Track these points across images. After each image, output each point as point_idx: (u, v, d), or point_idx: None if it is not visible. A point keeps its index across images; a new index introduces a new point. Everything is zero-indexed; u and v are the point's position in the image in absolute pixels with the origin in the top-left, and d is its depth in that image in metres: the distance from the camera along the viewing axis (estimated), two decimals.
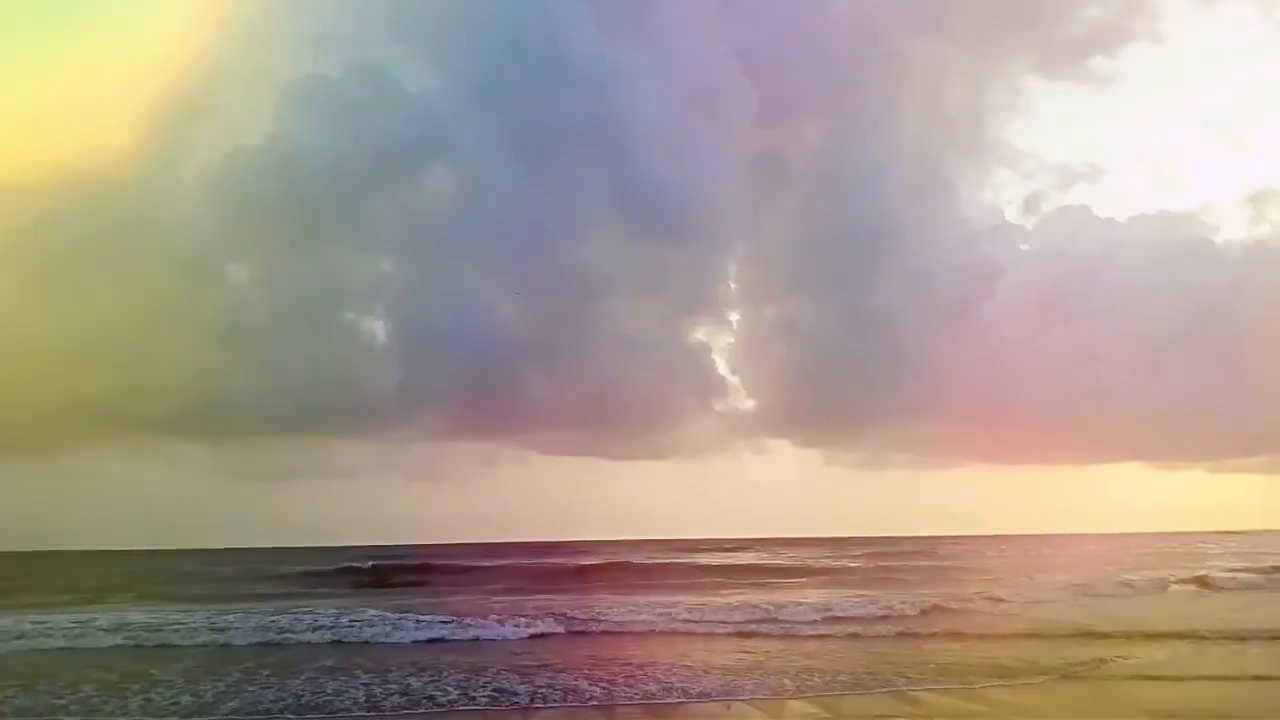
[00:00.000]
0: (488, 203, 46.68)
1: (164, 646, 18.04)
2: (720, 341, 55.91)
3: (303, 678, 14.27)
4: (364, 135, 43.79)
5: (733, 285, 52.85)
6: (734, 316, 54.36)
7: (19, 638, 18.52)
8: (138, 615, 21.36)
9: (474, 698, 12.78)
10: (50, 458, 63.26)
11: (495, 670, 14.56)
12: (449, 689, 13.27)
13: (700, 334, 54.38)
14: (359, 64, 44.41)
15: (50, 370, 43.70)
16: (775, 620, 20.60)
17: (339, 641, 18.48)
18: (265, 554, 57.02)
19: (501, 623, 19.78)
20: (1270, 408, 56.99)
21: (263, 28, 45.66)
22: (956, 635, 18.50)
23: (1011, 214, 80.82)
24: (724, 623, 20.34)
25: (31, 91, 39.82)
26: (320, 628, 19.40)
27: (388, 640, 18.54)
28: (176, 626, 19.35)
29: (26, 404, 47.81)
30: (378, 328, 48.71)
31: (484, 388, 48.78)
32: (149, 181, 44.61)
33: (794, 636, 18.75)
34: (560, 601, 24.59)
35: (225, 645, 18.07)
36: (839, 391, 53.97)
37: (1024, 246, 57.03)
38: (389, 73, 43.96)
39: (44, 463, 66.27)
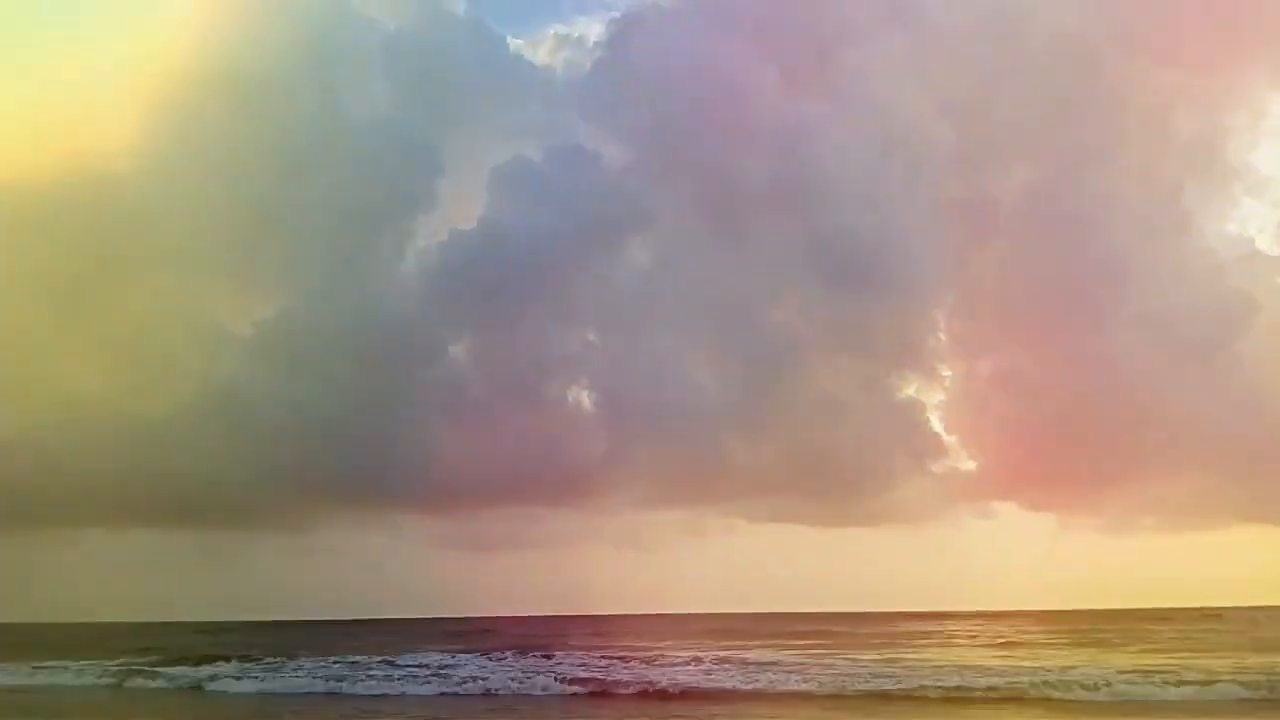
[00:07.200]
0: (683, 270, 47.57)
1: None
2: (933, 398, 52.44)
3: None
4: (564, 212, 46.16)
5: (942, 338, 49.92)
6: (945, 371, 51.21)
7: None
8: None
9: None
10: (293, 534, 69.42)
11: None
12: None
13: (910, 390, 51.33)
14: (556, 146, 47.15)
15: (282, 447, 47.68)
16: None
17: None
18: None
19: None
20: None
21: (471, 118, 49.55)
22: None
23: (1263, 243, 71.70)
24: None
25: None
26: None
27: None
28: None
29: (278, 484, 52.53)
30: (583, 398, 50.04)
31: (688, 454, 48.73)
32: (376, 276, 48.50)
33: None
34: None
35: None
36: (1072, 448, 49.25)
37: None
38: (584, 150, 46.20)
39: (286, 539, 72.90)
